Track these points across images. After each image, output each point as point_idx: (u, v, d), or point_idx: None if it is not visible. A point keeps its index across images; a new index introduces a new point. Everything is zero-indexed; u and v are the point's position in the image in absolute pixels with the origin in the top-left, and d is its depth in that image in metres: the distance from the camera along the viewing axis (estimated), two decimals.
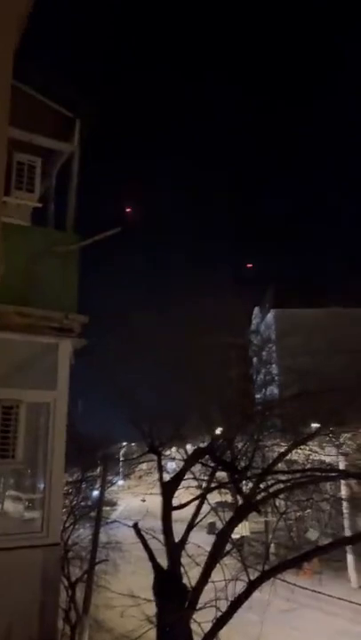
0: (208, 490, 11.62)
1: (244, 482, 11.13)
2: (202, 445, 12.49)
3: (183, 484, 11.97)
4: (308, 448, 12.06)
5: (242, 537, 21.23)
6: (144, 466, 19.04)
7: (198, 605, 9.78)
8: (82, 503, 19.07)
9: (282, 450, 11.39)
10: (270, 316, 37.23)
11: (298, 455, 12.45)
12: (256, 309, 35.24)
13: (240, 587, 9.53)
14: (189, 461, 11.69)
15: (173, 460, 14.41)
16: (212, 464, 11.46)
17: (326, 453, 13.45)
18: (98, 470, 19.94)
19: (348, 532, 17.37)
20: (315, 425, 12.04)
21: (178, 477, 11.63)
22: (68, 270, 6.38)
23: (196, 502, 11.62)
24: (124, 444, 30.31)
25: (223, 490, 12.36)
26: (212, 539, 10.58)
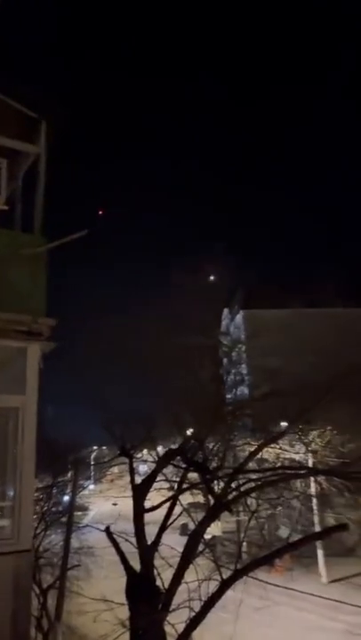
0: (180, 491, 11.64)
1: (215, 482, 11.20)
2: (173, 447, 12.51)
3: (155, 485, 11.96)
4: (278, 447, 12.24)
5: (214, 537, 21.35)
6: (116, 469, 18.98)
7: (172, 607, 9.78)
8: (53, 509, 18.85)
9: (252, 449, 11.51)
10: (239, 317, 37.56)
11: (268, 454, 12.62)
12: (225, 311, 35.48)
13: (213, 586, 9.58)
14: (161, 463, 11.70)
15: (145, 462, 14.39)
16: (184, 465, 11.49)
17: (296, 451, 13.67)
18: (69, 475, 19.75)
19: (318, 528, 17.69)
20: (284, 424, 12.22)
21: (149, 479, 11.62)
22: (35, 273, 6.30)
23: (169, 504, 11.63)
24: (95, 447, 30.13)
25: (195, 490, 12.42)
26: (184, 540, 10.61)
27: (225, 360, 15.09)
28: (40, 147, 7.14)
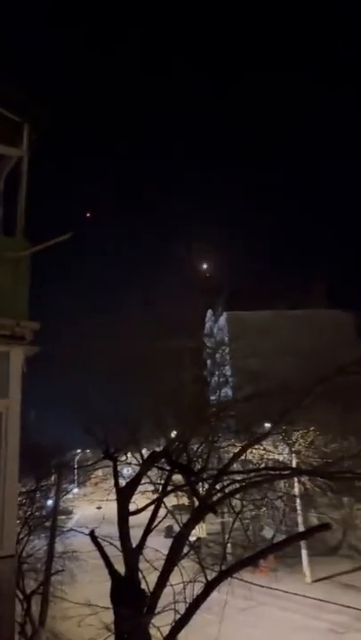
0: (164, 493, 11.65)
1: (200, 483, 11.23)
2: (157, 449, 12.52)
3: (140, 488, 11.95)
4: (261, 448, 12.31)
5: (199, 539, 21.40)
6: (100, 472, 18.87)
7: (157, 609, 9.78)
8: (36, 513, 18.69)
9: (236, 450, 11.57)
10: (223, 318, 37.75)
11: (252, 455, 12.69)
12: (209, 312, 35.63)
13: (198, 588, 9.60)
14: (145, 465, 11.70)
15: (129, 465, 14.36)
16: (168, 467, 11.50)
17: (279, 452, 13.78)
18: (52, 479, 19.61)
19: (301, 528, 17.85)
20: (267, 425, 12.31)
21: (134, 482, 11.61)
22: (18, 277, 6.26)
23: (153, 506, 11.62)
24: (79, 451, 29.93)
25: (180, 493, 12.43)
26: (169, 542, 10.60)
27: (209, 362, 15.15)
28: (23, 149, 7.10)
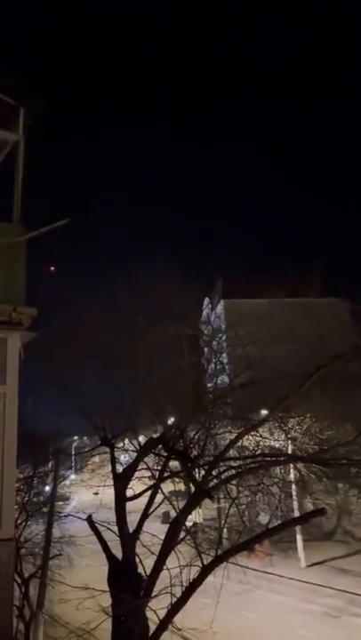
0: (161, 479, 11.73)
1: (196, 470, 11.31)
2: (154, 436, 12.58)
3: (137, 474, 12.03)
4: (258, 434, 12.38)
5: (195, 524, 21.59)
6: (97, 459, 18.98)
7: (153, 593, 9.89)
8: (34, 499, 18.83)
9: (233, 437, 11.64)
10: (220, 306, 37.77)
11: (248, 442, 12.76)
12: (206, 300, 35.63)
13: (194, 572, 9.71)
14: (142, 452, 11.77)
15: (126, 451, 14.44)
16: (165, 454, 11.57)
17: (275, 439, 13.86)
18: (49, 465, 19.72)
19: (297, 514, 18.02)
20: (264, 412, 12.37)
21: (131, 468, 11.69)
22: (15, 262, 6.23)
23: (150, 492, 11.71)
24: (76, 438, 30.09)
25: (176, 479, 12.53)
26: (166, 528, 10.70)
27: (206, 349, 15.18)
28: (19, 134, 7.03)
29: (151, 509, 11.52)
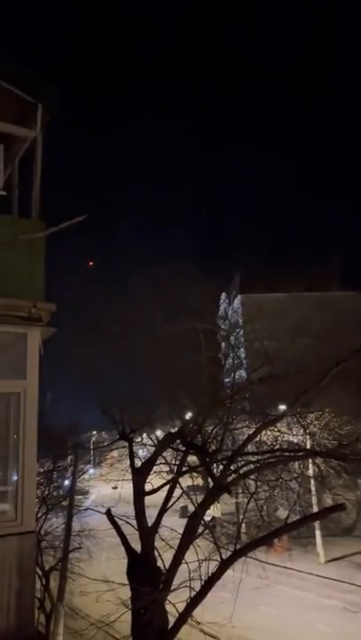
0: (179, 474, 11.77)
1: (214, 464, 11.32)
2: (172, 430, 12.61)
3: (155, 469, 12.09)
4: (276, 429, 12.34)
5: (214, 518, 21.61)
6: (115, 453, 19.12)
7: (172, 587, 9.94)
8: (54, 493, 19.05)
9: (251, 432, 11.61)
10: (237, 301, 37.63)
11: (266, 437, 12.72)
12: (223, 295, 35.54)
13: (213, 567, 9.74)
14: (161, 446, 11.81)
15: (145, 446, 14.51)
16: (183, 448, 11.59)
17: (294, 434, 13.80)
18: (69, 459, 19.92)
19: (316, 509, 17.93)
20: (282, 407, 12.31)
21: (149, 462, 11.74)
22: (34, 258, 6.28)
23: (168, 487, 11.76)
24: (95, 432, 30.31)
25: (195, 473, 12.54)
26: (184, 522, 10.74)
27: (223, 344, 15.14)
28: (36, 131, 7.07)
29: (169, 504, 11.57)
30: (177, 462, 12.30)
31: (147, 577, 10.02)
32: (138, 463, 12.28)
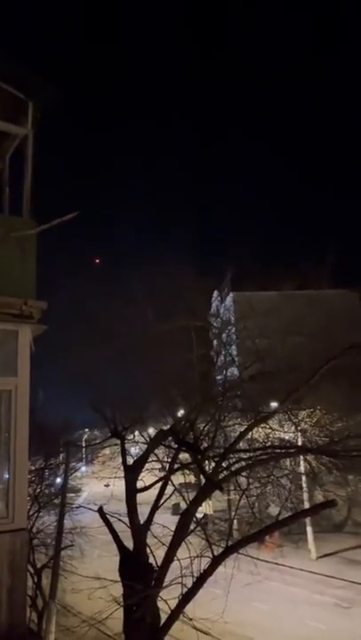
0: (171, 471, 11.80)
1: (206, 462, 11.35)
2: (164, 428, 12.64)
3: (147, 466, 12.11)
4: (267, 426, 12.40)
5: (206, 515, 21.70)
6: (107, 451, 19.11)
7: (164, 583, 9.98)
8: (46, 491, 19.03)
9: (242, 429, 11.66)
10: (229, 299, 37.64)
11: (258, 434, 12.78)
12: (215, 293, 35.55)
13: (205, 563, 9.78)
14: (153, 444, 11.83)
15: (137, 443, 14.53)
16: (175, 446, 11.62)
17: (285, 431, 13.86)
18: (61, 457, 19.89)
19: (307, 506, 18.03)
20: (274, 404, 12.37)
21: (141, 460, 11.76)
22: (25, 256, 6.26)
23: (160, 484, 11.78)
24: (87, 430, 30.28)
25: (187, 471, 12.60)
26: (176, 519, 10.77)
27: (215, 341, 15.18)
28: (27, 128, 7.04)
29: (162, 501, 11.59)
30: (169, 460, 12.32)
31: (139, 574, 10.04)
32: (130, 461, 12.29)
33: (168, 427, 12.38)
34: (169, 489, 11.79)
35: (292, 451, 11.94)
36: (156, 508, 11.41)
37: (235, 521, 15.63)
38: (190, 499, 11.05)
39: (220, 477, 10.88)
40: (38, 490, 17.96)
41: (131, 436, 14.29)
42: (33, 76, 6.97)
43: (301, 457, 13.02)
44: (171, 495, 11.91)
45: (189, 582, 9.65)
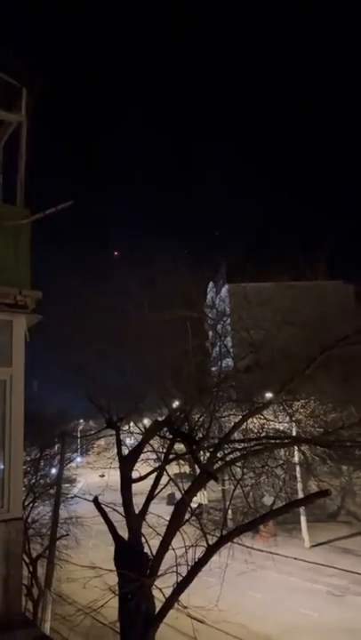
0: (166, 461, 11.83)
1: (201, 452, 11.39)
2: (160, 419, 12.65)
3: (142, 456, 12.13)
4: (262, 417, 12.44)
5: (200, 505, 21.81)
6: (102, 442, 19.14)
7: (159, 572, 10.05)
8: (41, 481, 19.08)
9: (237, 420, 11.70)
10: (225, 290, 37.62)
11: (253, 424, 12.83)
12: (211, 284, 35.53)
13: (199, 552, 9.85)
14: (148, 434, 11.85)
15: (132, 434, 14.55)
16: (170, 436, 11.65)
17: (280, 421, 13.93)
18: (56, 448, 19.93)
19: (301, 496, 18.17)
20: (268, 395, 12.41)
21: (136, 450, 11.79)
22: (19, 245, 6.20)
23: (155, 474, 11.82)
24: (82, 421, 30.34)
25: (181, 461, 12.64)
26: (171, 509, 10.82)
27: (210, 333, 15.19)
28: (22, 115, 6.95)
29: (157, 491, 11.63)
30: (164, 450, 12.35)
31: (134, 563, 10.10)
32: (125, 451, 12.32)
33: (163, 417, 12.40)
34: (164, 479, 11.83)
35: (287, 441, 12.00)
36: (151, 497, 11.46)
37: (229, 511, 15.71)
38: (185, 489, 11.10)
39: (215, 467, 10.93)
40: (33, 480, 18.01)
41: (126, 427, 14.32)
42: (27, 62, 6.87)
43: (296, 447, 13.10)
44: (166, 485, 11.95)
45: (184, 571, 9.73)
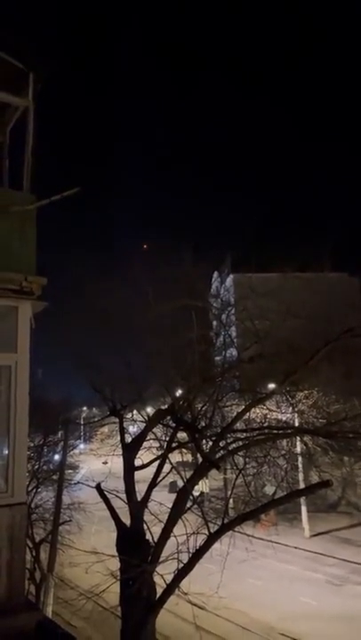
0: (169, 450, 11.88)
1: (204, 441, 11.43)
2: (163, 407, 12.68)
3: (145, 444, 12.19)
4: (265, 407, 12.45)
5: (202, 493, 21.93)
6: (106, 429, 19.25)
7: (161, 559, 10.14)
8: (44, 467, 19.24)
9: (240, 409, 11.71)
10: (229, 280, 37.52)
11: (256, 414, 12.85)
12: (215, 273, 35.45)
13: (201, 540, 9.93)
14: (151, 422, 11.89)
15: (135, 422, 14.60)
16: (173, 425, 11.68)
17: (282, 412, 13.95)
18: (59, 434, 20.06)
19: (302, 486, 18.23)
20: (271, 385, 12.41)
21: (140, 438, 11.83)
22: (25, 231, 6.17)
23: (158, 462, 11.88)
24: (85, 408, 30.48)
25: (184, 450, 12.67)
26: (173, 497, 10.90)
27: (215, 322, 15.16)
28: (28, 99, 6.89)
29: (159, 479, 11.70)
30: (167, 438, 12.40)
31: (136, 549, 10.19)
32: (128, 439, 12.37)
33: (166, 406, 12.43)
34: (166, 467, 11.89)
35: (289, 431, 12.02)
36: (153, 485, 11.53)
37: (231, 499, 15.77)
38: (187, 477, 11.15)
39: (217, 456, 10.97)
40: (37, 466, 18.15)
41: (129, 415, 14.36)
42: (33, 46, 6.80)
43: (298, 438, 13.11)
44: (168, 473, 12.02)
45: (185, 558, 9.81)
